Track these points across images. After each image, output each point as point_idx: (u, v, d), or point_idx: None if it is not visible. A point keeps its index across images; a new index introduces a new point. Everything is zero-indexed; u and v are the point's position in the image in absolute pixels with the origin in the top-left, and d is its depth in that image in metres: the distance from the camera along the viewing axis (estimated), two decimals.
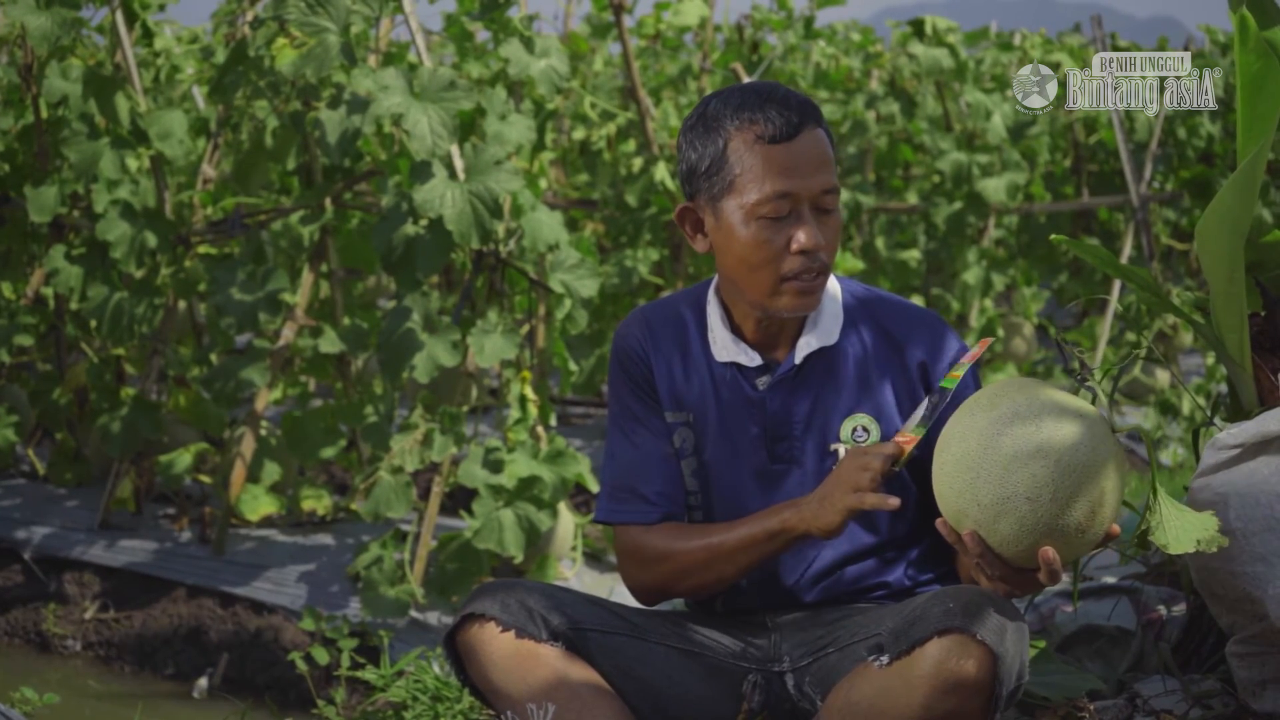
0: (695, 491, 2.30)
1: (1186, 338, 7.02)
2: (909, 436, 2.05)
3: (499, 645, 2.10)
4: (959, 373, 2.10)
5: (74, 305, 4.63)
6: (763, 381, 2.24)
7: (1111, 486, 1.88)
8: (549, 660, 2.10)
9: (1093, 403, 1.95)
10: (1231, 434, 2.27)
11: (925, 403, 2.09)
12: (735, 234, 2.15)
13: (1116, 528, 1.94)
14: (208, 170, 4.71)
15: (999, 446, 1.86)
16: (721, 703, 2.21)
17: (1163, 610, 2.69)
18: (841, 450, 2.18)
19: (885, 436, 2.19)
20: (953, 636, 1.89)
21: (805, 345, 2.23)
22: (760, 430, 2.24)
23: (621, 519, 2.28)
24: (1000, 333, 6.81)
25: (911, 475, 2.18)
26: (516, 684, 2.08)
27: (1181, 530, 1.92)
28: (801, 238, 2.12)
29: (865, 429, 2.20)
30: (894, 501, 2.00)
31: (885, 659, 1.95)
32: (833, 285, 2.28)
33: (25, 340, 4.62)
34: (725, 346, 2.26)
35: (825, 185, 2.13)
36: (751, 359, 2.24)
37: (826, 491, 2.07)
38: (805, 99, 2.17)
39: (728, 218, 2.16)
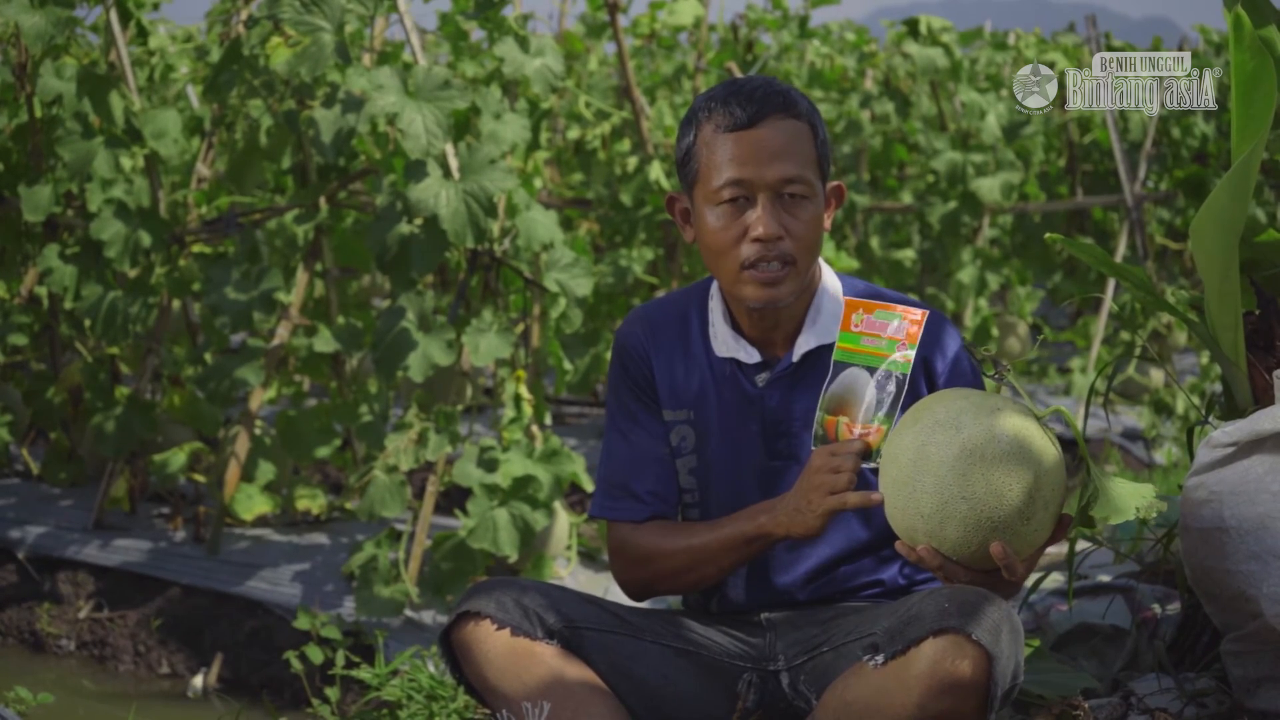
0: (692, 490, 2.30)
1: (1181, 337, 7.03)
2: (870, 427, 2.04)
3: (494, 643, 2.10)
4: (882, 349, 2.06)
5: (68, 304, 4.62)
6: (761, 378, 2.25)
7: (1044, 470, 1.89)
8: (544, 658, 2.09)
9: (1014, 396, 1.99)
10: (1226, 432, 2.27)
11: (870, 388, 2.06)
12: (702, 221, 2.20)
13: (1068, 514, 1.94)
14: (202, 169, 4.70)
15: (927, 457, 1.90)
16: (717, 701, 2.21)
17: (1157, 609, 2.69)
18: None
19: None
20: (948, 637, 1.89)
21: (804, 343, 2.23)
22: (759, 427, 2.24)
23: (613, 515, 2.29)
24: (995, 332, 6.82)
25: None
26: (512, 682, 2.08)
27: (1120, 500, 1.92)
28: (756, 226, 2.13)
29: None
30: (876, 497, 1.99)
31: (880, 659, 1.95)
32: (834, 283, 2.28)
33: (19, 340, 4.61)
34: (725, 342, 2.26)
35: (784, 174, 2.13)
36: (750, 355, 2.25)
37: (801, 496, 2.07)
38: (779, 90, 2.16)
39: (698, 205, 2.20)
